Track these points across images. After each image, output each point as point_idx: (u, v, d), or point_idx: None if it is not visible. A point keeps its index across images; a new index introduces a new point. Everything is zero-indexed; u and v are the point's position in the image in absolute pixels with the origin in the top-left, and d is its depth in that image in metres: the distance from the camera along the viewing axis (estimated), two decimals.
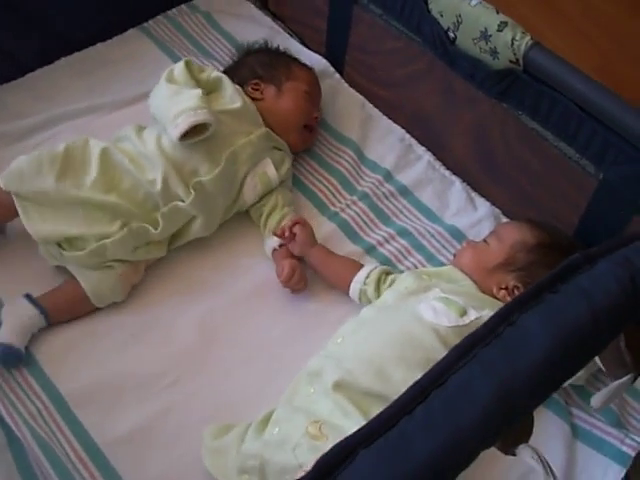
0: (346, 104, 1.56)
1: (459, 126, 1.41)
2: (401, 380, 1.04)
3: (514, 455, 0.77)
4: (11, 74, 1.55)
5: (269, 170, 1.36)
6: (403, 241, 1.38)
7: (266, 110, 1.39)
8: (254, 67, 1.45)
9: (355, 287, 1.27)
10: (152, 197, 1.26)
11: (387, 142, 1.51)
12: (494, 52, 1.24)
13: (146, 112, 1.36)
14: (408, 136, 1.52)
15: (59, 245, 1.24)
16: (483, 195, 1.44)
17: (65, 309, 1.24)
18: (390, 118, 1.54)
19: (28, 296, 1.23)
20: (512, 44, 1.20)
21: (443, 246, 1.37)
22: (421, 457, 0.49)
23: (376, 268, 1.27)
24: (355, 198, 1.43)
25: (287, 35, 1.67)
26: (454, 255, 1.29)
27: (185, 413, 1.16)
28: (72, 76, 1.57)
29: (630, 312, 0.57)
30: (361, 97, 1.57)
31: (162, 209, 1.26)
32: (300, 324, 1.28)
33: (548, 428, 1.14)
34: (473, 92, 1.33)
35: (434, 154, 1.49)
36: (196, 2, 1.73)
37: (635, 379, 0.90)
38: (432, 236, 1.39)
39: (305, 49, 1.63)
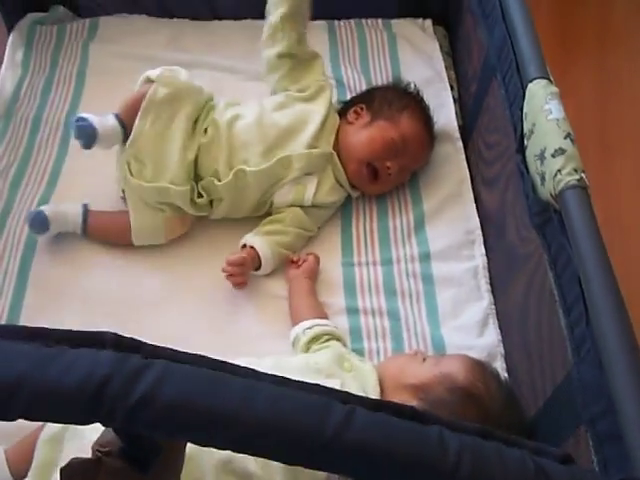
0: (447, 173, 1.45)
1: (506, 239, 1.24)
2: None
3: None
4: (198, 14, 1.72)
5: (309, 188, 1.34)
6: (387, 323, 1.26)
7: (345, 133, 1.38)
8: (374, 96, 1.41)
9: (294, 331, 1.21)
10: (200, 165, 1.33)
11: (453, 227, 1.38)
12: (543, 178, 1.05)
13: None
14: (479, 232, 1.37)
15: (129, 166, 1.30)
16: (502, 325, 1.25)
17: (104, 226, 1.34)
18: (479, 209, 1.40)
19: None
20: (555, 176, 1.01)
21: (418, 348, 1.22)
22: None
23: (325, 326, 1.19)
24: (378, 259, 1.34)
25: (447, 85, 1.58)
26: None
27: None
28: (234, 37, 1.67)
29: None
30: (466, 173, 1.45)
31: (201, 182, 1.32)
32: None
33: None
34: (525, 212, 1.15)
35: (489, 258, 1.33)
36: (394, 22, 1.71)
37: None
38: (415, 334, 1.24)
39: (450, 104, 1.54)
